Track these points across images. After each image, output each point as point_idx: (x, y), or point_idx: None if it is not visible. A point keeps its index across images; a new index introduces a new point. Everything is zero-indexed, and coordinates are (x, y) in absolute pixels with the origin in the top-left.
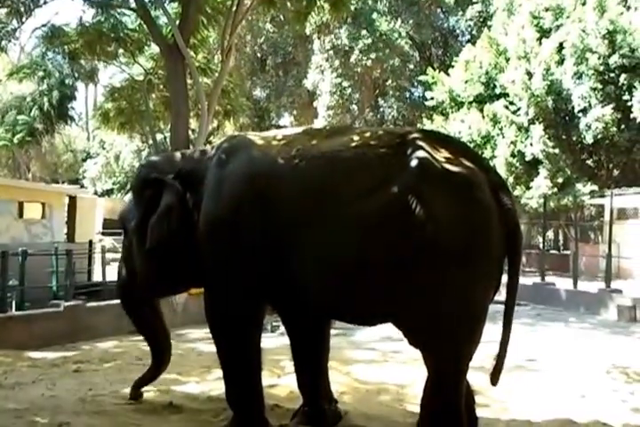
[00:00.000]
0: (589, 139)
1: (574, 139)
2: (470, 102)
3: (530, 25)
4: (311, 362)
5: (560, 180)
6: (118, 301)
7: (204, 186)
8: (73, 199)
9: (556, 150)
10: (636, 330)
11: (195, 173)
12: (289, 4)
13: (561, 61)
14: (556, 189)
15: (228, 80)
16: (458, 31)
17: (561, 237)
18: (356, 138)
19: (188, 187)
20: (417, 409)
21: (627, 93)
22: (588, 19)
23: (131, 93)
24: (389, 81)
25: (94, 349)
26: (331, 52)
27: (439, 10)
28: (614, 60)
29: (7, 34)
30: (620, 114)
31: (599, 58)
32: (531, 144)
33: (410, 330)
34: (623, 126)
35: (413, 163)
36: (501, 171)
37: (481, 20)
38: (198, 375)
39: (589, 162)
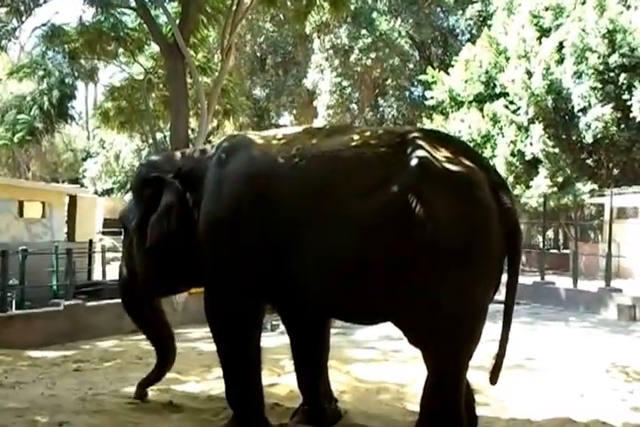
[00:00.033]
0: (589, 138)
1: (574, 138)
2: (470, 102)
3: (530, 24)
4: (311, 361)
5: (560, 179)
6: (118, 300)
7: (203, 185)
8: (73, 198)
9: (556, 150)
10: (636, 329)
11: (194, 173)
12: (289, 3)
13: (561, 61)
14: (555, 189)
15: (228, 79)
16: (458, 30)
17: (561, 237)
18: (355, 137)
19: (188, 186)
20: (417, 408)
21: (626, 93)
22: (588, 18)
23: (131, 93)
24: (389, 80)
25: (94, 348)
26: (330, 51)
27: (439, 9)
28: (614, 59)
29: (7, 33)
30: (620, 113)
31: (599, 57)
32: (530, 143)
33: (410, 329)
34: (623, 126)
35: (413, 162)
36: (501, 170)
37: (481, 19)
38: (198, 374)
39: (589, 161)
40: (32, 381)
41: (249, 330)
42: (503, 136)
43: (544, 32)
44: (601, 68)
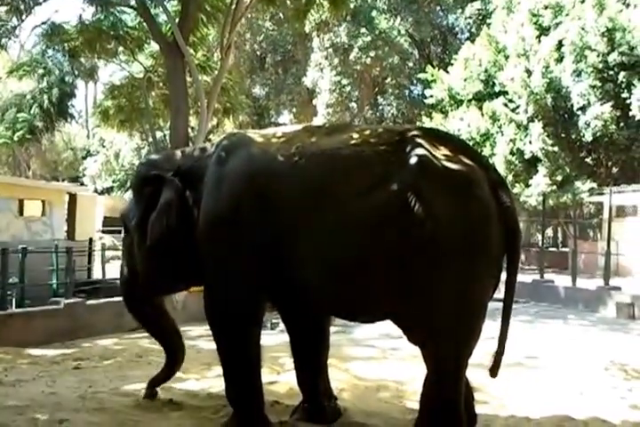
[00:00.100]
0: (588, 136)
1: (573, 137)
2: (469, 100)
3: (529, 23)
4: (311, 359)
5: (559, 177)
6: (118, 298)
7: (203, 184)
8: (73, 197)
9: (555, 148)
10: (635, 327)
11: (194, 171)
12: (288, 1)
13: (560, 59)
14: (555, 187)
15: (228, 78)
16: (457, 29)
17: (560, 235)
18: (355, 136)
19: (188, 184)
20: (416, 406)
21: (626, 91)
22: (587, 16)
23: (130, 91)
24: (389, 79)
25: (94, 346)
26: (330, 49)
27: (438, 8)
28: (613, 57)
29: (7, 31)
30: (619, 112)
31: (598, 56)
32: (530, 142)
33: (409, 328)
34: (622, 124)
35: (413, 160)
36: (500, 169)
37: (480, 17)
38: (198, 373)
39: (588, 160)
40: (32, 379)
41: (249, 328)
42: (502, 135)
43: (543, 30)
44: (600, 66)
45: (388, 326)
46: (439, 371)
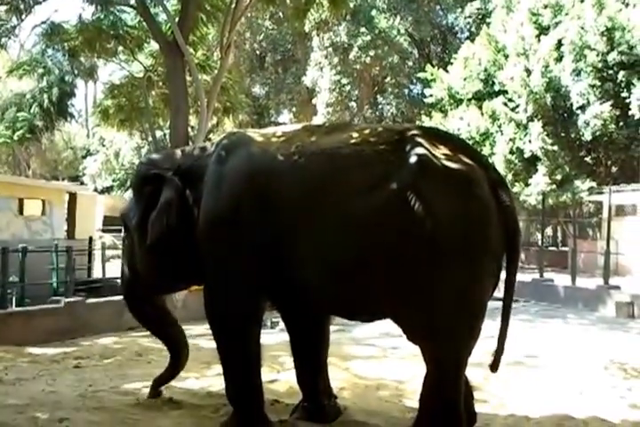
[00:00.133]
0: (588, 136)
1: (573, 136)
2: (469, 99)
3: (528, 22)
4: (311, 358)
5: (559, 176)
6: (118, 297)
7: (203, 183)
8: (73, 196)
9: (555, 147)
10: (634, 326)
11: (194, 170)
12: (288, 1)
13: (559, 58)
14: (554, 186)
15: (228, 77)
16: (457, 28)
17: (559, 234)
18: (355, 135)
19: (188, 183)
20: (416, 405)
21: (625, 90)
22: (587, 16)
23: (130, 90)
24: (388, 78)
25: (94, 345)
26: (330, 49)
27: (438, 7)
28: (613, 57)
29: (7, 31)
30: (619, 111)
31: (598, 55)
32: (529, 141)
33: (409, 327)
34: (622, 123)
35: (412, 160)
36: (500, 168)
37: (480, 17)
38: (198, 371)
39: (588, 159)
40: (32, 377)
41: (249, 327)
42: (502, 134)
43: (543, 30)
44: (600, 65)
45: (387, 325)
46: (439, 370)
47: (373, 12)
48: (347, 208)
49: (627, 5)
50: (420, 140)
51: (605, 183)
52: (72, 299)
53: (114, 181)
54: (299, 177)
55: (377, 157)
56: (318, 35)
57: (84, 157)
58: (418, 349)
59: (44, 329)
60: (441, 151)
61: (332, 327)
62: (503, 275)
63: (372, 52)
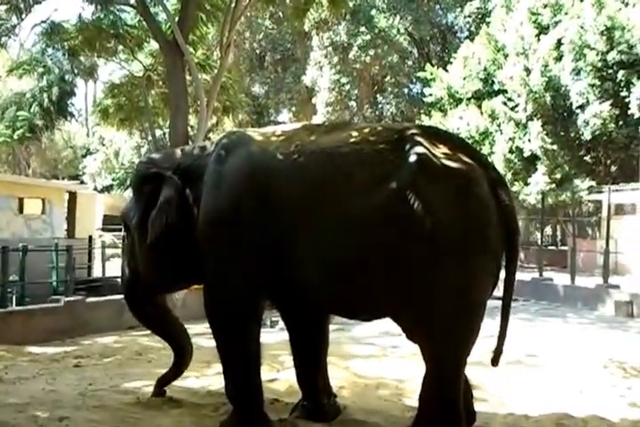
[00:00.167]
0: (587, 135)
1: (572, 135)
2: (469, 99)
3: (528, 21)
4: (310, 357)
5: (558, 176)
6: (118, 296)
7: (203, 182)
8: (73, 195)
9: (554, 146)
10: (634, 325)
11: (194, 169)
12: (287, 0)
13: (559, 58)
14: (554, 185)
15: (227, 76)
16: (456, 28)
17: (559, 233)
18: (354, 134)
19: (188, 182)
20: (415, 404)
21: (625, 90)
22: (587, 15)
23: (130, 90)
24: (388, 77)
25: (94, 344)
26: (329, 48)
27: (438, 6)
28: (612, 56)
29: (7, 30)
30: (618, 110)
31: (597, 54)
32: (529, 140)
33: (408, 325)
34: (621, 122)
35: (412, 159)
36: (500, 167)
37: (479, 16)
38: (198, 370)
39: (587, 158)
40: (32, 376)
41: (248, 327)
42: (501, 133)
43: (542, 29)
44: (599, 65)
45: (387, 324)
46: (438, 369)
47: (373, 12)
48: (346, 207)
49: (626, 5)
50: (419, 139)
51: (605, 182)
52: (72, 298)
53: (114, 180)
54: (298, 176)
55: (376, 157)
56: (318, 34)
57: (84, 156)
58: (417, 348)
59: (44, 328)
60: (440, 150)
61: (331, 326)
62: (503, 274)
63: (371, 52)
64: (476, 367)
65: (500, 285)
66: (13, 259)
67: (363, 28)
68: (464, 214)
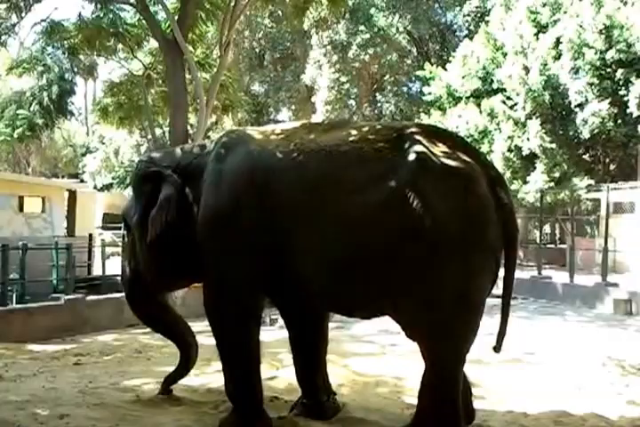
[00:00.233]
0: (586, 134)
1: (571, 133)
2: (468, 97)
3: (527, 20)
4: (310, 355)
5: (557, 174)
6: (118, 294)
7: (202, 180)
8: (73, 194)
9: (553, 145)
10: (632, 323)
11: (193, 168)
12: None
13: (558, 56)
14: (552, 184)
15: (227, 75)
16: (455, 26)
17: (558, 232)
18: (353, 132)
19: (187, 181)
20: (415, 401)
21: (623, 88)
22: (585, 14)
23: (130, 88)
24: (387, 76)
25: (94, 342)
26: (329, 47)
27: (437, 5)
28: (611, 55)
29: (7, 29)
30: (617, 109)
31: (596, 53)
32: (528, 139)
33: (407, 323)
34: (620, 121)
35: (411, 157)
36: (498, 165)
37: (478, 15)
38: (198, 368)
39: (586, 157)
40: (33, 374)
41: (248, 324)
42: (500, 132)
43: (541, 28)
44: (598, 63)
45: (386, 322)
46: (437, 367)
47: (372, 11)
48: (345, 206)
49: (625, 3)
50: (418, 137)
51: (603, 181)
52: (72, 296)
53: (113, 178)
54: (298, 175)
55: (376, 155)
56: (317, 33)
57: (84, 155)
58: (416, 346)
59: (44, 326)
60: (440, 149)
61: (330, 324)
62: (502, 272)
63: (370, 50)
64: (475, 365)
65: (500, 283)
66: (14, 257)
67: (362, 27)
68: (463, 213)
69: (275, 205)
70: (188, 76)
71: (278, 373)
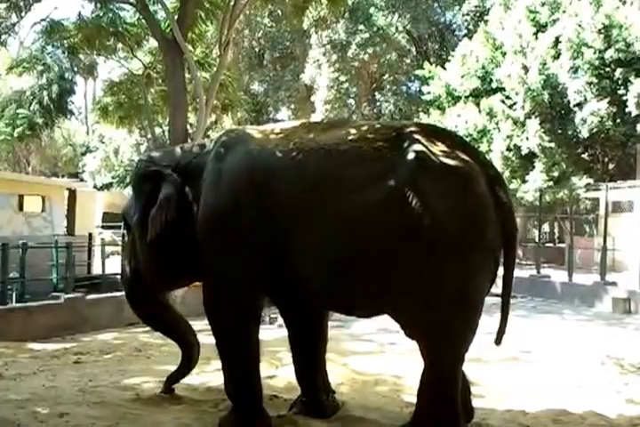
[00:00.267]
0: (585, 133)
1: (570, 133)
2: (467, 97)
3: (526, 19)
4: (309, 353)
5: (556, 173)
6: (117, 293)
7: (202, 179)
8: (72, 193)
9: (552, 144)
10: (631, 322)
11: (193, 167)
12: None
13: (557, 56)
14: (551, 183)
15: (226, 74)
16: (454, 26)
17: (556, 231)
18: (353, 131)
19: (187, 180)
20: (414, 400)
21: (622, 88)
22: (584, 13)
23: (129, 88)
24: (386, 75)
25: (94, 340)
26: (328, 46)
27: (436, 4)
28: (610, 54)
29: (7, 28)
30: (616, 108)
31: (595, 52)
32: (527, 138)
33: (406, 322)
34: (618, 120)
35: (410, 156)
36: (497, 165)
37: (477, 14)
38: (198, 366)
39: (585, 156)
40: (33, 373)
41: (248, 323)
42: (499, 131)
43: (540, 27)
44: (597, 63)
45: (385, 321)
46: (436, 365)
47: (371, 10)
48: (345, 205)
49: (624, 3)
50: (417, 136)
51: (602, 180)
52: (72, 295)
53: (113, 177)
54: (297, 174)
55: (375, 154)
56: (317, 32)
57: (84, 154)
58: (415, 344)
59: (44, 325)
60: (439, 148)
61: (330, 323)
62: (501, 271)
63: (370, 50)
64: (475, 364)
65: (499, 282)
66: (14, 256)
67: (361, 27)
68: (462, 212)
69: (274, 204)
70: (187, 75)
71: (278, 371)
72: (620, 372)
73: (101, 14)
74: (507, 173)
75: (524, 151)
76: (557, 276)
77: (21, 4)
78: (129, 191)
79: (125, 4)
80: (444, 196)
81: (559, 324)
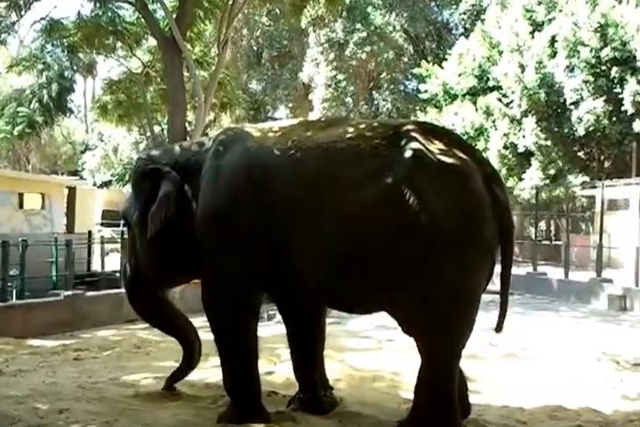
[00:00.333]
0: (581, 131)
1: (566, 131)
2: (464, 95)
3: (523, 18)
4: (307, 350)
5: (552, 171)
6: (117, 290)
7: (201, 177)
8: (72, 190)
9: (549, 142)
10: (626, 319)
11: (192, 165)
12: None
13: (553, 54)
14: (547, 181)
15: (225, 73)
16: (451, 25)
17: (553, 228)
18: (350, 130)
19: (186, 178)
20: (411, 396)
21: (618, 86)
22: (581, 12)
23: (129, 86)
24: (384, 74)
25: (93, 337)
26: (326, 45)
27: (433, 3)
28: (606, 53)
29: (6, 27)
30: (612, 106)
31: (591, 51)
32: (523, 136)
33: (404, 319)
34: (614, 119)
35: (407, 154)
36: (494, 163)
37: (474, 13)
38: None
39: (581, 154)
40: (33, 369)
41: (246, 320)
42: (496, 129)
43: (537, 26)
44: (593, 61)
45: (383, 318)
46: (433, 362)
47: (369, 9)
48: (342, 202)
49: (620, 2)
50: (415, 135)
51: (598, 178)
52: (71, 292)
53: (112, 175)
54: (295, 172)
55: (372, 152)
56: (314, 31)
57: (83, 152)
58: (413, 341)
59: (44, 322)
60: (436, 146)
61: (327, 320)
62: (498, 269)
63: (367, 49)
64: (471, 360)
65: (495, 279)
66: (13, 253)
67: (359, 25)
68: (459, 210)
69: (272, 201)
70: (186, 73)
71: (276, 368)
72: (616, 368)
73: (101, 13)
74: (503, 171)
75: (521, 149)
76: (554, 273)
77: (21, 2)
78: (128, 189)
79: (124, 3)
80: (441, 193)
81: (555, 321)
